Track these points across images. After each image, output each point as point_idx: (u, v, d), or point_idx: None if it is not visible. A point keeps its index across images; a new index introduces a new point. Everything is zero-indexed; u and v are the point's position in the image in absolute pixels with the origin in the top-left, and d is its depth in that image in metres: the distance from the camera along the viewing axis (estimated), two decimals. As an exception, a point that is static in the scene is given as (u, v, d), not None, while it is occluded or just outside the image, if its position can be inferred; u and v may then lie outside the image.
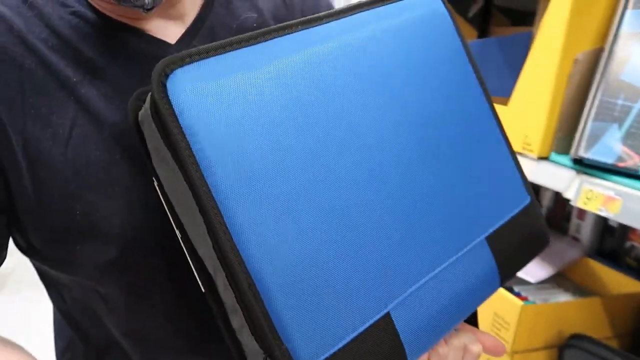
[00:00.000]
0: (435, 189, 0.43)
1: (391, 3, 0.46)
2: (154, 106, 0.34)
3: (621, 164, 0.62)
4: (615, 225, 0.96)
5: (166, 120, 0.33)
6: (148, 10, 0.43)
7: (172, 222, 0.40)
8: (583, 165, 0.66)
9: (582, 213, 1.01)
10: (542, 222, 0.52)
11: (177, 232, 0.40)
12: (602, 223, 0.98)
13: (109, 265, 0.44)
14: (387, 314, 0.37)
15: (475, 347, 0.47)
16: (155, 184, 0.40)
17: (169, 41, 0.48)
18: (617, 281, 0.89)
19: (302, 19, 0.41)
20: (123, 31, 0.46)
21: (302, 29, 0.40)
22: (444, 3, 0.48)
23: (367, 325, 0.36)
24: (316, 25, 0.41)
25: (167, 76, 0.33)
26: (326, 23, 0.41)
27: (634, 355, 0.73)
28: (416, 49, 0.45)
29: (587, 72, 0.69)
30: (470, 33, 1.19)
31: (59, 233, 0.43)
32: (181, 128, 0.33)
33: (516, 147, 0.74)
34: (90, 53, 0.44)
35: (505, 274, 0.47)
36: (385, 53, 0.43)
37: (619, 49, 0.65)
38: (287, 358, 0.33)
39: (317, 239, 0.35)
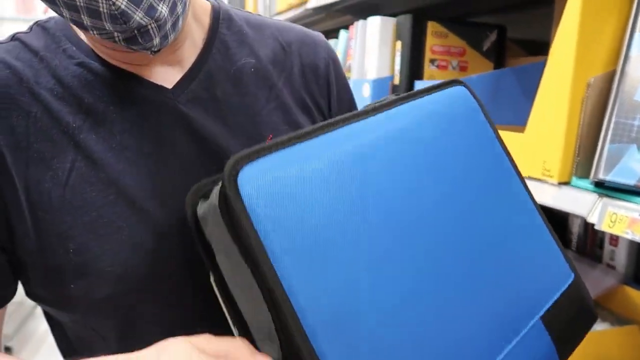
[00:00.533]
0: (489, 276, 0.44)
1: (423, 96, 0.48)
2: (225, 202, 0.36)
3: (643, 185, 0.61)
4: (649, 250, 0.93)
5: (239, 217, 0.34)
6: (155, 52, 0.46)
7: (229, 319, 0.42)
8: (605, 188, 0.65)
9: (614, 239, 0.98)
10: (588, 296, 0.54)
11: (235, 330, 0.41)
12: (637, 248, 0.95)
13: (102, 302, 0.47)
14: None
15: None
16: (212, 279, 0.42)
17: (167, 86, 0.51)
18: (657, 308, 0.86)
19: (347, 115, 0.44)
20: (124, 78, 0.50)
21: (353, 122, 0.43)
22: (472, 93, 0.53)
23: None
24: (361, 120, 0.44)
25: (237, 172, 0.35)
26: (370, 117, 0.44)
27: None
28: (455, 140, 0.48)
29: (602, 95, 0.69)
30: (486, 66, 1.20)
31: (55, 271, 0.46)
32: (252, 225, 0.34)
33: (535, 173, 0.74)
34: (91, 99, 0.48)
35: (562, 353, 0.48)
36: (428, 147, 0.45)
37: (631, 70, 0.65)
38: None
39: (384, 324, 0.37)
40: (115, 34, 0.43)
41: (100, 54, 0.50)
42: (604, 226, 0.63)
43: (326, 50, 0.64)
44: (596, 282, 0.95)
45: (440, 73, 1.16)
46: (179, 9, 0.46)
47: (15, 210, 0.46)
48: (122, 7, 0.40)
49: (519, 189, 0.53)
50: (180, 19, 0.47)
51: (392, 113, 0.45)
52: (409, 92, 0.49)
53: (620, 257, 0.96)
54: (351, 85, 1.32)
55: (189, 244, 0.48)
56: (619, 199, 0.63)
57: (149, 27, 0.43)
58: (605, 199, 0.65)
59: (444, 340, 0.39)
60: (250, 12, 0.63)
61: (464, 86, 0.53)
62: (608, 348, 0.74)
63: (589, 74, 0.69)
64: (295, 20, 1.67)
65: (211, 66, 0.54)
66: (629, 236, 0.60)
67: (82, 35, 0.51)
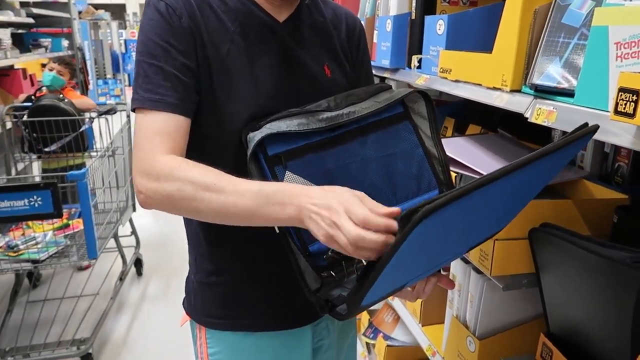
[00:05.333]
0: None
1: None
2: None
3: (560, 86, 0.83)
4: (607, 151, 1.13)
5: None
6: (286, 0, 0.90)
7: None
8: (538, 91, 0.88)
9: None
10: None
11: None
12: (600, 151, 1.15)
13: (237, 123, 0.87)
14: None
15: (432, 277, 0.79)
16: None
17: (279, 20, 0.92)
18: (605, 195, 1.07)
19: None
20: (259, 11, 0.90)
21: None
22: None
23: None
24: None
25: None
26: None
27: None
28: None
29: (543, 21, 0.89)
30: (495, 1, 1.38)
31: (215, 96, 0.86)
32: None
33: (497, 84, 0.97)
34: (241, 19, 0.87)
35: None
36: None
37: (561, 0, 0.85)
38: None
39: None
40: None
41: None
42: (532, 118, 0.86)
43: (360, 24, 1.05)
44: (566, 175, 1.17)
45: (451, 7, 1.36)
46: None
47: (202, 65, 0.85)
48: None
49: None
50: None
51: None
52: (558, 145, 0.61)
53: (587, 159, 1.17)
54: (377, 22, 1.55)
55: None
56: (544, 98, 0.86)
57: None
58: (537, 100, 0.87)
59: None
60: None
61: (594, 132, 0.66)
62: (546, 215, 0.98)
63: (535, 5, 0.89)
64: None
65: (301, 17, 0.94)
66: (546, 123, 0.83)
67: None
